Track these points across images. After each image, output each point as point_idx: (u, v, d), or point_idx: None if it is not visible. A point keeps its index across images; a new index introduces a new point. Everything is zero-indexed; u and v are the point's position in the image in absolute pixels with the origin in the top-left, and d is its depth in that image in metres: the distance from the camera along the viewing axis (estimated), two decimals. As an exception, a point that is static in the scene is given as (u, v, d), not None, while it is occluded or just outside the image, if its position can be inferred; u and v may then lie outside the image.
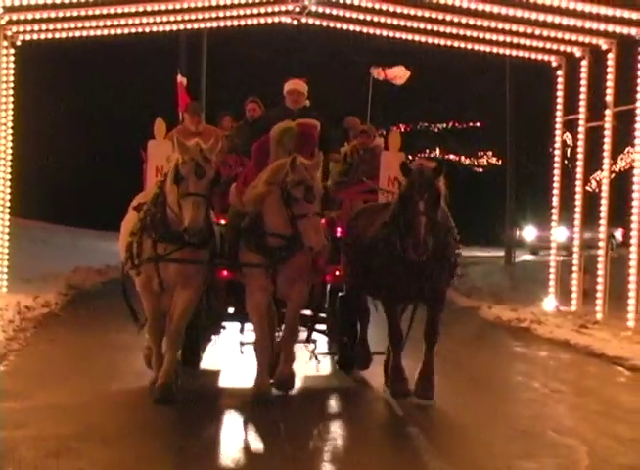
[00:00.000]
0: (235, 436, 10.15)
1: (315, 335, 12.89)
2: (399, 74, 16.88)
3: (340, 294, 13.38)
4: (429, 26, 19.41)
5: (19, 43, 19.41)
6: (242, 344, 12.72)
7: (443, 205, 11.13)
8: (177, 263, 10.88)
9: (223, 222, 11.97)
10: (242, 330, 12.94)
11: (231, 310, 13.05)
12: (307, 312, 12.67)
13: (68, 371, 13.02)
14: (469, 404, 11.62)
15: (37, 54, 21.60)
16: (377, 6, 18.83)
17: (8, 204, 20.14)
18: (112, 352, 14.29)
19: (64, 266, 26.13)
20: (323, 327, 13.34)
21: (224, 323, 13.24)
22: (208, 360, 13.42)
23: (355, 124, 15.40)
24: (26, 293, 19.65)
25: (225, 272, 11.90)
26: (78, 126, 38.79)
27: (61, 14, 18.17)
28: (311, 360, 12.84)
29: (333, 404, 12.10)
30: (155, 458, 9.11)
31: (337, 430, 10.50)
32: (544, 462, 9.18)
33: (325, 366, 13.60)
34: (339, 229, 12.94)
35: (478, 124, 49.27)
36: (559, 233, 22.94)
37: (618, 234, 35.64)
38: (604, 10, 17.08)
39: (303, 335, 12.58)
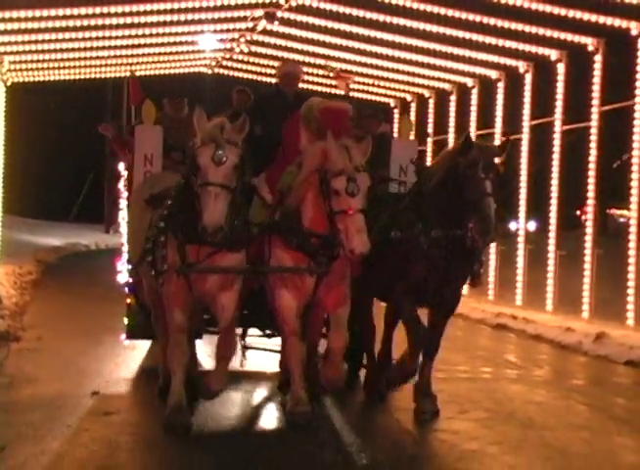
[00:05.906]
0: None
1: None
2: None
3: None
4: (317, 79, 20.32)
5: (9, 83, 20.64)
6: (245, 348, 9.48)
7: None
8: (210, 274, 7.36)
9: None
10: (244, 335, 9.55)
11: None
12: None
13: (73, 312, 14.90)
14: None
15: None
16: (271, 63, 20.73)
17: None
18: (93, 301, 15.84)
19: (28, 247, 27.02)
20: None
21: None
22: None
23: None
24: (13, 264, 20.73)
25: None
26: (39, 144, 39.33)
27: (46, 65, 19.78)
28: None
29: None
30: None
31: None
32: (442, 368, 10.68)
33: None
34: None
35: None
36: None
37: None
38: (444, 63, 18.51)
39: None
